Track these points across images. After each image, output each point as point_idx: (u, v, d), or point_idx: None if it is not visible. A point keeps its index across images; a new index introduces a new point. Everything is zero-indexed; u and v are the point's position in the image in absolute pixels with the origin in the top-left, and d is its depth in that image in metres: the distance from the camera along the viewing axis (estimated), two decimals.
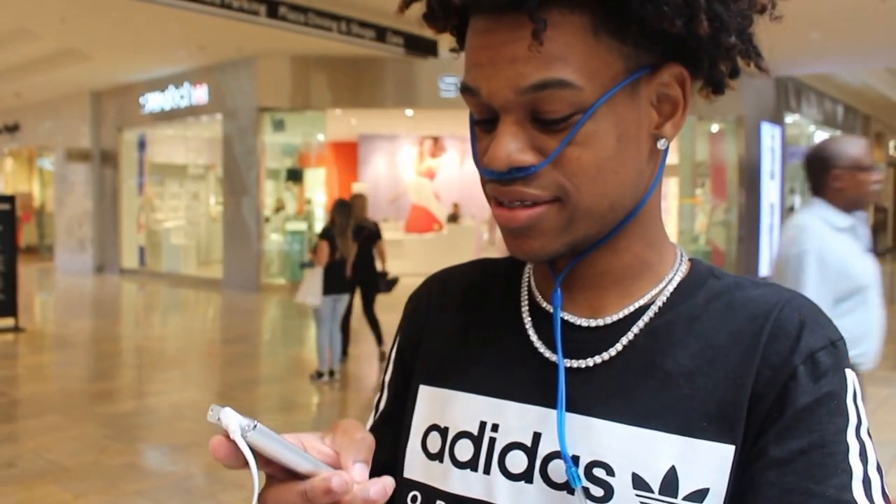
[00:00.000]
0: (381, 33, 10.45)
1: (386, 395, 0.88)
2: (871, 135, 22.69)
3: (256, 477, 0.51)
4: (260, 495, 0.56)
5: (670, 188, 16.77)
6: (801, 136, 18.05)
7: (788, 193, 17.27)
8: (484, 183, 0.71)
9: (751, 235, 15.01)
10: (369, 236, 7.70)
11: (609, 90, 0.64)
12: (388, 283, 7.93)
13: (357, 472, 0.55)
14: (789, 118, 16.45)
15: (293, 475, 0.54)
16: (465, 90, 0.68)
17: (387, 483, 0.55)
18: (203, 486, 4.65)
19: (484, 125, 0.69)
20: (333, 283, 7.05)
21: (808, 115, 17.44)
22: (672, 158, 15.52)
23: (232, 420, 0.51)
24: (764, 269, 15.48)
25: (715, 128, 15.28)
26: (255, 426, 0.51)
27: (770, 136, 15.41)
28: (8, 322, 9.76)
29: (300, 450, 0.54)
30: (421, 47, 10.96)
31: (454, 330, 0.82)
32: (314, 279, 6.97)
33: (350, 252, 7.24)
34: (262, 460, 0.53)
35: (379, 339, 7.96)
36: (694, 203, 15.54)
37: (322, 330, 7.11)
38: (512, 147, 0.65)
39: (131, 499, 4.40)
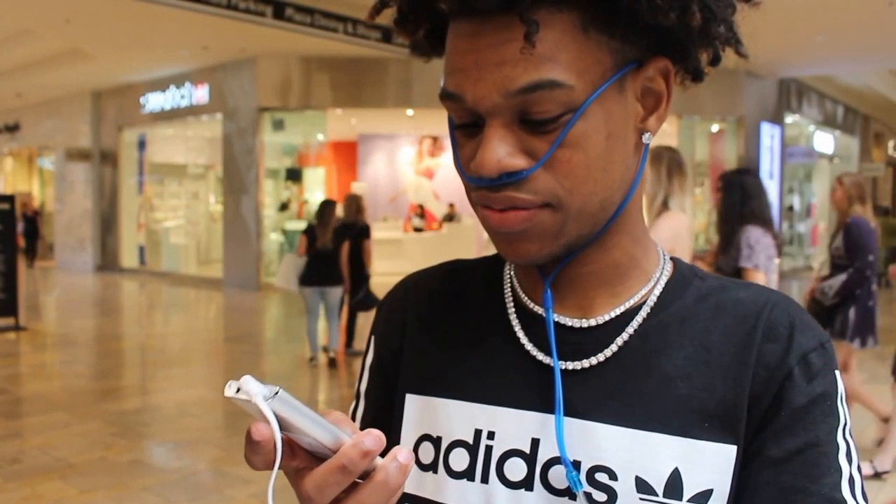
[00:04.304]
0: (386, 34, 10.46)
1: (363, 405, 0.84)
2: (870, 135, 22.73)
3: (280, 443, 0.49)
4: (294, 485, 0.54)
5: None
6: (800, 136, 18.09)
7: (787, 193, 17.31)
8: (469, 190, 0.68)
9: None
10: (357, 234, 7.73)
11: (599, 87, 0.62)
12: (366, 302, 7.77)
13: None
14: (789, 118, 16.48)
15: (304, 459, 0.53)
16: (447, 96, 0.65)
17: (410, 451, 0.54)
18: (209, 481, 4.66)
19: (466, 129, 0.66)
20: (316, 275, 7.32)
21: (808, 115, 17.47)
22: None
23: (253, 386, 0.49)
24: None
25: (715, 128, 15.30)
26: (277, 393, 0.49)
27: (769, 135, 15.44)
28: (9, 321, 9.76)
29: (321, 418, 0.52)
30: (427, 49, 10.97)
31: (437, 335, 0.79)
32: (287, 266, 7.51)
33: (327, 244, 7.41)
34: (287, 453, 0.53)
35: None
36: (693, 202, 15.55)
37: (309, 318, 7.47)
38: (501, 152, 0.62)
39: (137, 495, 4.40)
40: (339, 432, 0.52)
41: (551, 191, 0.64)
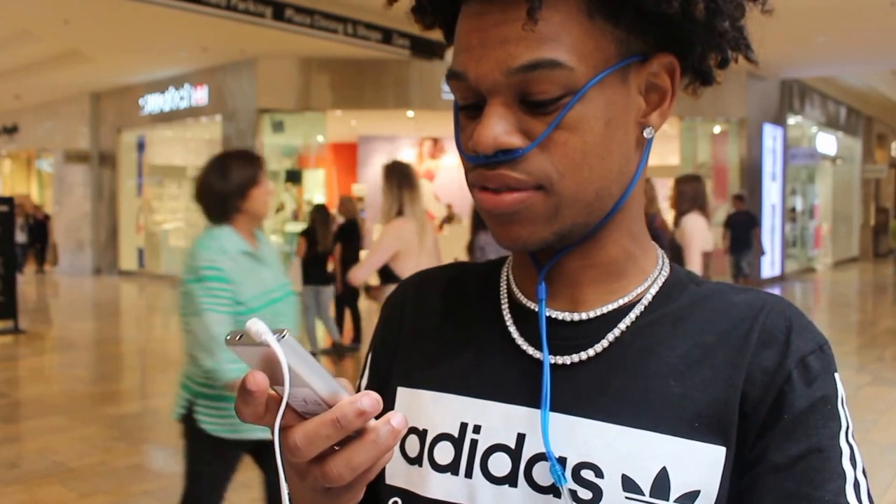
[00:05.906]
0: (387, 35, 10.44)
1: None
2: (872, 136, 22.73)
3: (288, 379, 0.48)
4: (280, 433, 0.53)
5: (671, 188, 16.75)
6: (802, 137, 18.08)
7: (790, 195, 17.29)
8: (468, 170, 0.68)
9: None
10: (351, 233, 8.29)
11: (600, 72, 0.63)
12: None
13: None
14: (791, 119, 16.48)
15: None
16: (452, 76, 0.66)
17: (404, 417, 0.54)
18: None
19: (469, 111, 0.67)
20: (312, 275, 7.87)
21: (810, 116, 17.47)
22: (673, 159, 15.52)
23: (262, 326, 0.49)
24: (765, 270, 15.49)
25: (717, 129, 15.28)
26: (284, 335, 0.49)
27: (772, 137, 15.43)
28: (8, 324, 9.72)
29: (322, 368, 0.51)
30: (427, 50, 10.93)
31: (431, 330, 0.80)
32: (293, 270, 8.11)
33: (329, 247, 7.94)
34: (274, 409, 0.52)
35: (357, 334, 8.36)
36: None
37: (307, 315, 7.96)
38: (499, 129, 0.63)
39: (138, 499, 4.36)
40: (338, 387, 0.52)
41: (545, 172, 0.64)
